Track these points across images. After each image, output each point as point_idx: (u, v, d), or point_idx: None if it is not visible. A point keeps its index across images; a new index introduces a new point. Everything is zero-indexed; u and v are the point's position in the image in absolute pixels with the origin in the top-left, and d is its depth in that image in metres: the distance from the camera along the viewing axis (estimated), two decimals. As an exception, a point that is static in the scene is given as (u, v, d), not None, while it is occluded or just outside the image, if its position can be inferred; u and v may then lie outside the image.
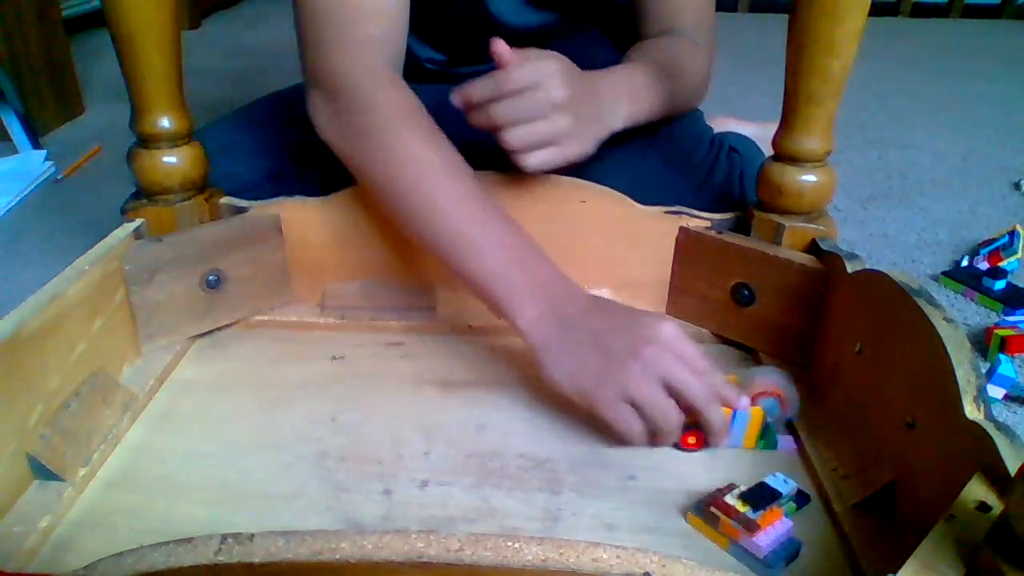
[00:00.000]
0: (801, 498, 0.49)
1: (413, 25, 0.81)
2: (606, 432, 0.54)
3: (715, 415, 0.51)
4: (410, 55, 0.83)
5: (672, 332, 0.52)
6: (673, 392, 0.51)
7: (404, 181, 0.59)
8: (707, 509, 0.47)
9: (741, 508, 0.46)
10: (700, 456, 0.54)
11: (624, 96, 0.67)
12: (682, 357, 0.51)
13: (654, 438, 0.52)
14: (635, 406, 0.50)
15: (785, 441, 0.55)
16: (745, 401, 0.53)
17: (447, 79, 0.84)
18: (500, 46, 0.57)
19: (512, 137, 0.58)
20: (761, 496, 0.47)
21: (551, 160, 0.60)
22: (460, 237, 0.57)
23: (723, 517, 0.45)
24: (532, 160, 0.60)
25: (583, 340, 0.52)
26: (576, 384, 0.52)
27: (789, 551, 0.44)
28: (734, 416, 0.53)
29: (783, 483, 0.48)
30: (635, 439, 0.51)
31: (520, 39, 0.82)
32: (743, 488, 0.48)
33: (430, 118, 0.62)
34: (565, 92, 0.58)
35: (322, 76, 0.63)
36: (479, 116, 0.59)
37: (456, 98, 0.59)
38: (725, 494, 0.47)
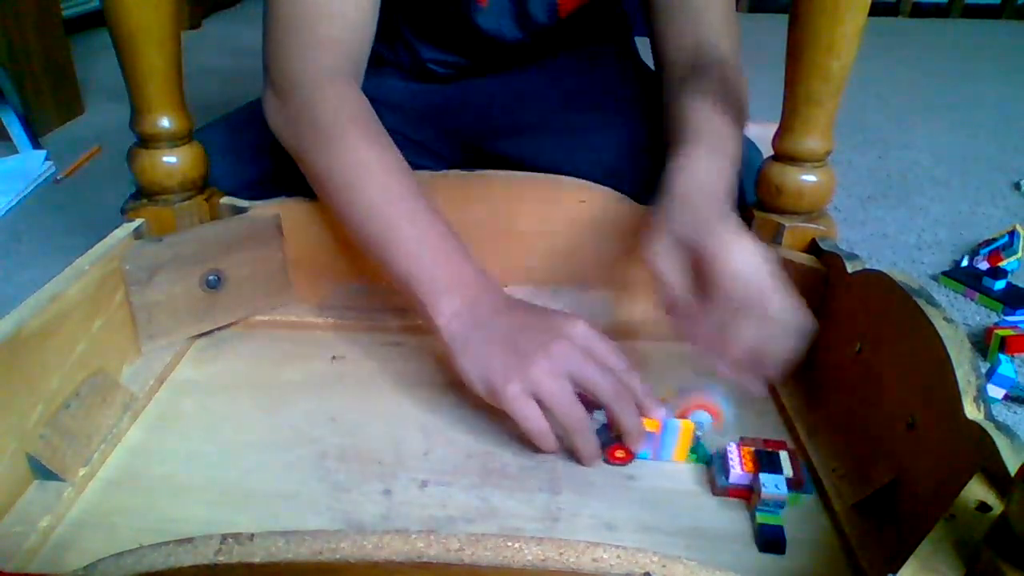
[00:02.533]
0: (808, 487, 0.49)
1: (415, 29, 0.81)
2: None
3: (624, 412, 0.49)
4: (415, 57, 0.83)
5: (583, 329, 0.51)
6: (581, 389, 0.50)
7: (341, 178, 0.60)
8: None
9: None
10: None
11: (722, 191, 0.59)
12: (593, 354, 0.50)
13: (568, 445, 0.51)
14: (540, 403, 0.50)
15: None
16: (662, 410, 0.51)
17: (455, 78, 0.84)
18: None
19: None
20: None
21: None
22: (386, 235, 0.58)
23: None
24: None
25: (495, 338, 0.52)
26: (484, 381, 0.51)
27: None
28: (664, 427, 0.51)
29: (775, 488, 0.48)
30: (543, 438, 0.51)
31: (512, 51, 0.82)
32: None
33: (376, 120, 0.63)
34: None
35: (277, 74, 0.65)
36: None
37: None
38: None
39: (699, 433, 0.52)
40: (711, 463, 0.52)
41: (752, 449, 0.50)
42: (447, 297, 0.55)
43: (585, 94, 0.80)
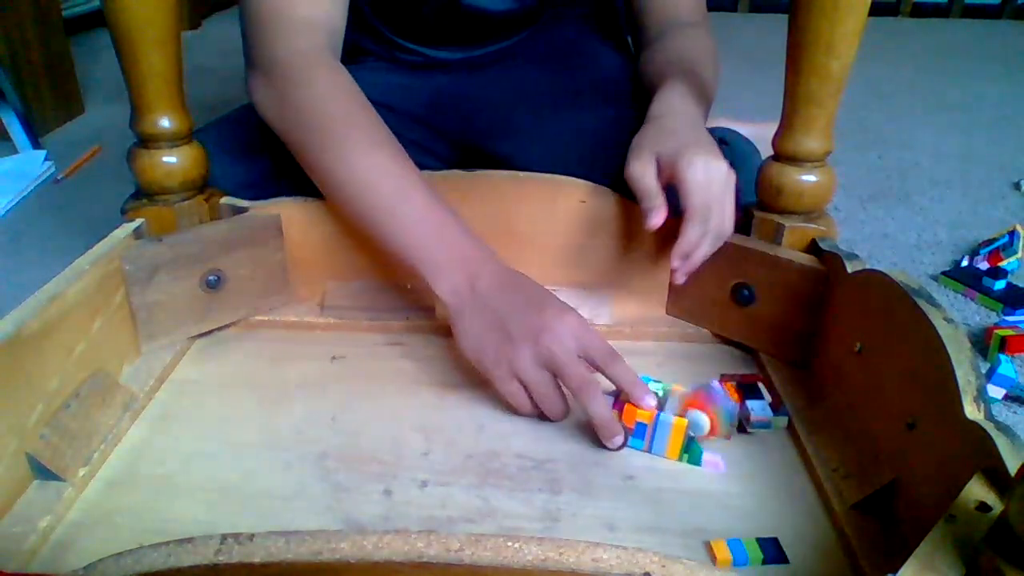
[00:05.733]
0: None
1: (386, 19, 0.81)
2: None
3: (592, 404, 0.52)
4: (386, 49, 0.83)
5: (572, 324, 0.54)
6: (557, 376, 0.54)
7: (333, 155, 0.62)
8: None
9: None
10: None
11: (696, 121, 0.66)
12: (570, 348, 0.53)
13: (545, 417, 0.56)
14: (524, 385, 0.55)
15: (712, 461, 0.53)
16: (652, 399, 0.52)
17: (427, 68, 0.84)
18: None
19: (728, 230, 0.62)
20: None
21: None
22: (385, 211, 0.60)
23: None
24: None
25: (491, 316, 0.56)
26: (477, 357, 0.56)
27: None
28: (656, 421, 0.52)
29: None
30: (524, 411, 0.56)
31: (499, 24, 0.82)
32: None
33: (363, 97, 0.65)
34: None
35: (260, 57, 0.66)
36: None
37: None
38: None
39: (692, 434, 0.53)
40: (701, 464, 0.53)
41: (734, 383, 0.58)
42: (447, 271, 0.58)
43: (571, 92, 0.80)
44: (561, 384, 0.54)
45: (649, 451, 0.53)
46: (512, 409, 0.56)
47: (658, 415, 0.52)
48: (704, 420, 0.53)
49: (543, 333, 0.53)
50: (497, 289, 0.57)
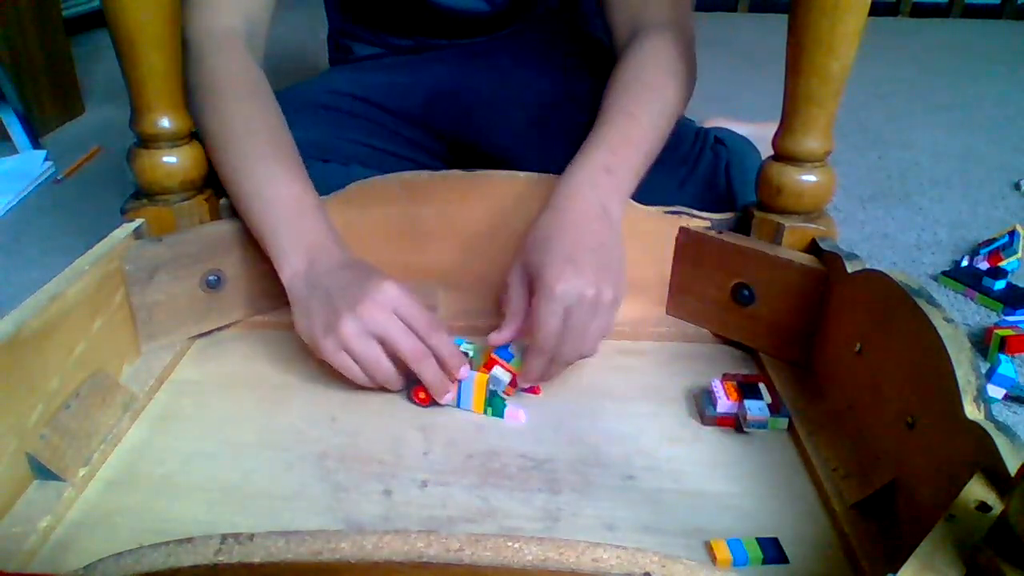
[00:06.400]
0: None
1: (353, 16, 0.82)
2: (606, 431, 0.54)
3: (425, 370, 0.56)
4: (376, 35, 0.84)
5: (392, 292, 0.56)
6: (386, 347, 0.56)
7: (219, 139, 0.64)
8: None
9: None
10: (700, 456, 0.54)
11: (611, 179, 0.63)
12: (399, 314, 0.56)
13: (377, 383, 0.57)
14: (351, 356, 0.56)
15: (512, 413, 0.57)
16: (465, 369, 0.57)
17: (420, 53, 0.85)
18: (493, 339, 0.58)
19: (588, 353, 0.58)
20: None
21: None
22: (249, 194, 0.63)
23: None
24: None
25: (321, 293, 0.57)
26: (308, 334, 0.58)
27: None
28: (462, 379, 0.57)
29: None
30: (359, 382, 0.57)
31: (466, 25, 0.82)
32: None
33: (260, 79, 0.67)
34: (587, 290, 0.55)
35: (183, 35, 0.66)
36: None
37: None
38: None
39: (492, 388, 0.57)
40: (503, 417, 0.57)
41: (734, 383, 0.58)
42: (292, 256, 0.60)
43: (554, 98, 0.80)
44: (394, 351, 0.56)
45: (458, 406, 0.58)
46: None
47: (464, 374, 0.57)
48: (504, 375, 0.57)
49: (363, 302, 0.55)
50: (330, 270, 0.59)
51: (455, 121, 0.82)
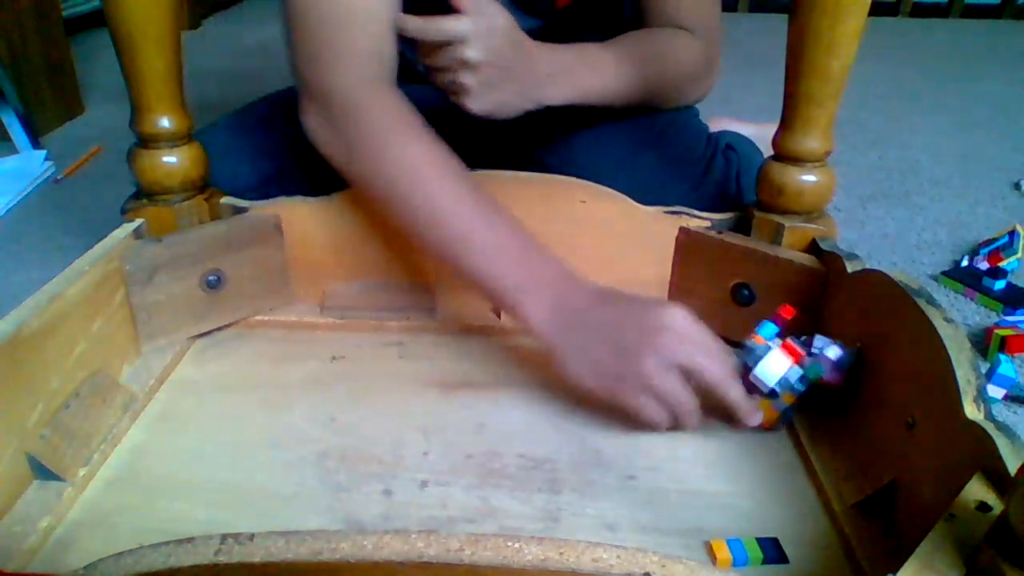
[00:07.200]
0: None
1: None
2: (606, 431, 0.54)
3: (735, 394, 0.52)
4: (402, 57, 0.82)
5: (681, 317, 0.52)
6: (690, 376, 0.52)
7: (402, 187, 0.60)
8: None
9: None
10: (700, 456, 0.54)
11: (569, 70, 0.67)
12: (692, 340, 0.52)
13: (677, 423, 0.54)
14: (655, 396, 0.52)
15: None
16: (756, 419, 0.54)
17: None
18: None
19: (434, 78, 0.63)
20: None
21: (461, 105, 0.64)
22: (463, 240, 0.58)
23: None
24: (451, 99, 0.64)
25: (595, 334, 0.53)
26: (597, 381, 0.53)
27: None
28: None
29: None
30: (660, 427, 0.53)
31: None
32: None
33: (423, 121, 0.62)
34: (477, 54, 0.60)
35: (314, 85, 0.63)
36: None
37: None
38: None
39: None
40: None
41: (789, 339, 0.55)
42: (538, 298, 0.55)
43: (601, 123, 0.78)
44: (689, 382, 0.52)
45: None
46: (646, 426, 0.53)
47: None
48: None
49: (659, 335, 0.51)
50: (592, 306, 0.54)
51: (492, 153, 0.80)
